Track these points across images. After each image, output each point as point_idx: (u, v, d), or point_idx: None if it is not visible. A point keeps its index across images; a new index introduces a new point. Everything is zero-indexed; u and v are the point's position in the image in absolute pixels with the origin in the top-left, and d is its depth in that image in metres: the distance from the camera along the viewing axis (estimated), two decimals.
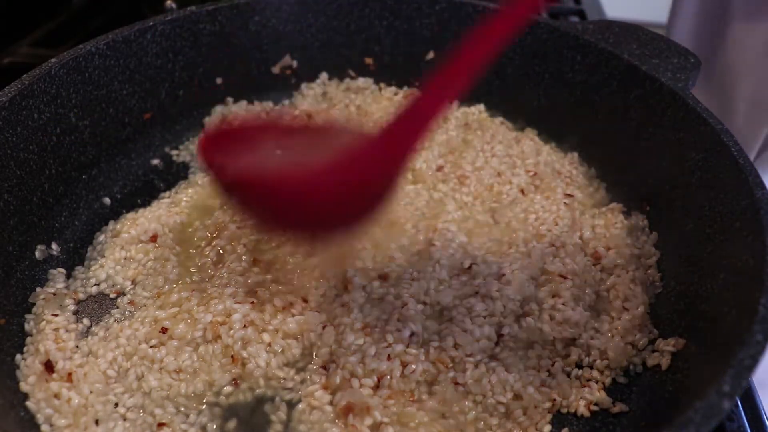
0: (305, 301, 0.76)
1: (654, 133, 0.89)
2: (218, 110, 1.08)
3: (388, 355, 0.70)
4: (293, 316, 0.74)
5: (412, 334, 0.73)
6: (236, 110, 1.09)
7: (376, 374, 0.69)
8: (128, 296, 0.79)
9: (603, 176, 0.98)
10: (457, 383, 0.69)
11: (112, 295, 0.80)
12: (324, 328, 0.73)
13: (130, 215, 0.90)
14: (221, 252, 0.82)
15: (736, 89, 1.20)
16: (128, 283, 0.81)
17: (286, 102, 1.14)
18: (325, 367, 0.70)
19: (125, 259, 0.83)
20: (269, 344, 0.71)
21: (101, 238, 0.87)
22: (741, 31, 1.17)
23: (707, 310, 0.71)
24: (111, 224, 0.89)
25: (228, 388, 0.69)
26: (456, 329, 0.73)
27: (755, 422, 0.72)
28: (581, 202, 0.94)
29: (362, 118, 1.09)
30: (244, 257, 0.80)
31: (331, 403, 0.68)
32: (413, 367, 0.69)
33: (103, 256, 0.84)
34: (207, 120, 1.07)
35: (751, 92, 1.18)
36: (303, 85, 1.15)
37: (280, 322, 0.73)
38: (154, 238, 0.85)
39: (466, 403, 0.68)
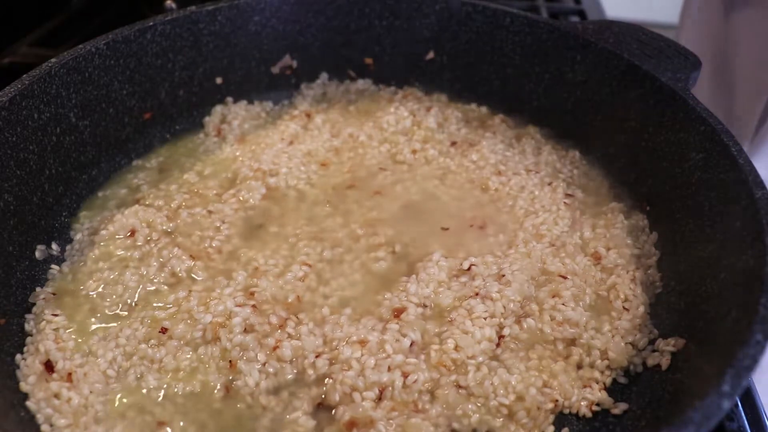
0: (297, 317, 0.75)
1: (654, 133, 0.89)
2: (218, 110, 1.08)
3: (389, 366, 0.69)
4: (289, 338, 0.72)
5: (412, 343, 0.72)
6: (236, 110, 1.09)
7: (378, 386, 0.68)
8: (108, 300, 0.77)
9: (603, 176, 0.98)
10: (459, 386, 0.69)
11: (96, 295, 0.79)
12: (317, 357, 0.71)
13: (107, 213, 0.90)
14: (162, 256, 0.82)
15: (737, 71, 1.22)
16: (95, 286, 0.79)
17: (286, 102, 1.14)
18: (319, 404, 0.68)
19: (103, 257, 0.82)
20: (264, 364, 0.70)
21: (78, 236, 0.86)
22: (746, 14, 1.19)
23: (707, 310, 0.70)
24: (87, 222, 0.88)
25: (219, 393, 0.68)
26: (456, 331, 0.73)
27: (755, 422, 0.72)
28: (581, 202, 0.93)
29: (362, 118, 1.09)
30: (184, 257, 0.81)
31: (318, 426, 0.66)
32: (415, 377, 0.68)
33: (83, 254, 0.83)
34: (207, 119, 1.07)
35: (751, 71, 1.20)
36: (303, 85, 1.15)
37: (275, 341, 0.71)
38: (132, 234, 0.84)
39: (470, 406, 0.68)
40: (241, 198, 0.92)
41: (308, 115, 1.08)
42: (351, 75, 1.16)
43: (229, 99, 1.10)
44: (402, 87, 1.15)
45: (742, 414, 0.72)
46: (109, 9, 1.34)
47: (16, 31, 1.21)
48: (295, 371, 0.70)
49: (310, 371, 0.70)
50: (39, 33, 1.23)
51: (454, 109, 1.10)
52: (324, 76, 1.15)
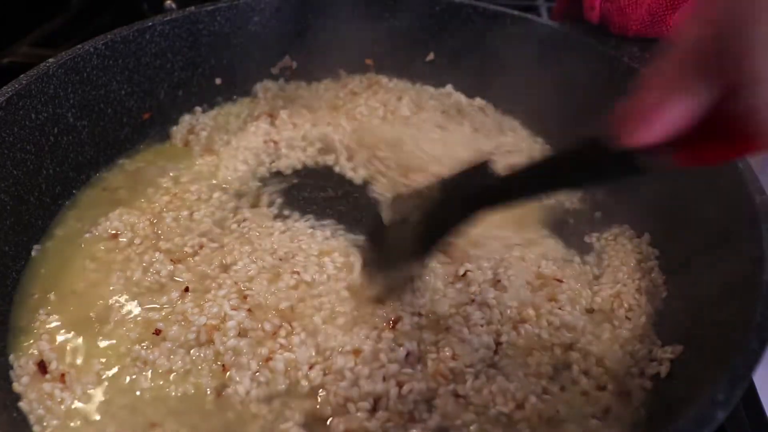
0: (291, 324, 0.73)
1: None
2: (186, 119, 1.06)
3: (383, 376, 0.68)
4: (281, 349, 0.70)
5: (408, 353, 0.70)
6: (205, 120, 1.06)
7: (372, 397, 0.66)
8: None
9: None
10: (457, 395, 0.67)
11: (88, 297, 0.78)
12: (310, 368, 0.69)
13: (92, 213, 0.88)
14: (144, 260, 0.81)
15: None
16: (85, 287, 0.78)
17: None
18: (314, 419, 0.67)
19: (90, 258, 0.81)
20: (255, 373, 0.68)
21: (68, 237, 0.85)
22: None
23: (705, 317, 0.70)
24: (74, 223, 0.87)
25: (211, 396, 0.68)
26: (453, 339, 0.71)
27: (756, 422, 0.71)
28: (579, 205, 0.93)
29: (333, 112, 1.07)
30: (167, 264, 0.80)
31: None
32: (410, 386, 0.67)
33: (73, 255, 0.82)
34: (174, 129, 1.04)
35: None
36: (258, 85, 1.13)
37: (268, 352, 0.70)
38: (114, 236, 0.84)
39: (468, 415, 0.66)
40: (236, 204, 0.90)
41: (270, 115, 1.06)
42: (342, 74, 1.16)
43: (198, 108, 1.07)
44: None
45: (743, 414, 0.71)
46: (109, 9, 1.34)
47: (16, 31, 1.21)
48: (287, 381, 0.68)
49: (304, 382, 0.68)
50: (39, 33, 1.23)
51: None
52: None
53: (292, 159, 0.99)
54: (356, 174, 0.97)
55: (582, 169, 0.53)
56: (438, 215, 0.68)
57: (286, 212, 0.91)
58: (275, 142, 1.00)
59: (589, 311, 0.78)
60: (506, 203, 0.64)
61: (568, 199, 0.93)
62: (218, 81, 1.09)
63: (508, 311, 0.75)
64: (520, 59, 1.05)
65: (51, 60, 0.85)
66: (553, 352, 0.73)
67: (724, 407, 0.49)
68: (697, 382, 0.62)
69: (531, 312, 0.75)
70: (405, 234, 0.71)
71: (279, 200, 0.93)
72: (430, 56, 1.13)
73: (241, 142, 1.00)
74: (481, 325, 0.73)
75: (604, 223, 0.90)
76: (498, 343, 0.73)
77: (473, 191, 0.65)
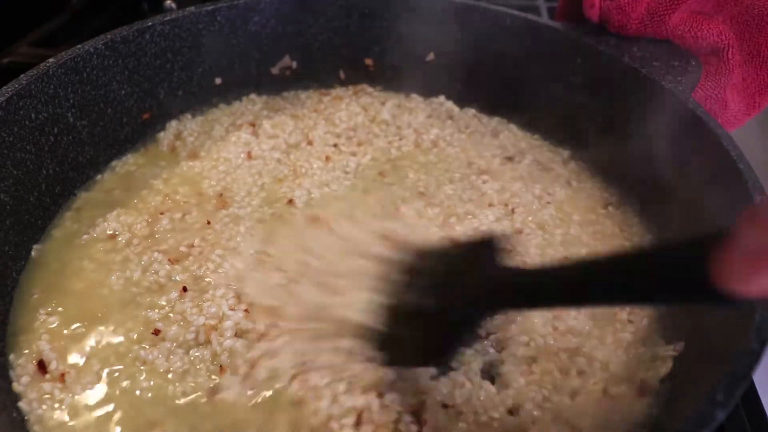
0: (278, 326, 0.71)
1: (653, 137, 0.88)
2: (173, 125, 1.04)
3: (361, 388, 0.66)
4: (266, 356, 0.69)
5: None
6: (192, 126, 1.05)
7: (355, 411, 0.64)
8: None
9: (598, 181, 0.97)
10: (445, 406, 0.66)
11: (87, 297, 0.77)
12: (293, 378, 0.67)
13: (89, 214, 0.88)
14: (143, 261, 0.80)
15: None
16: (84, 288, 0.78)
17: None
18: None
19: (89, 259, 0.81)
20: (246, 376, 0.67)
21: (66, 238, 0.85)
22: None
23: (706, 317, 0.69)
24: (70, 224, 0.87)
25: (207, 398, 0.67)
26: None
27: (756, 422, 0.71)
28: (576, 208, 0.93)
29: (313, 116, 1.08)
30: (165, 264, 0.80)
31: None
32: (392, 396, 0.65)
33: (72, 255, 0.82)
34: (161, 135, 1.02)
35: None
36: (244, 98, 1.12)
37: (258, 356, 0.69)
38: (112, 237, 0.84)
39: (459, 424, 0.65)
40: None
41: (252, 125, 1.05)
42: (341, 77, 1.16)
43: (188, 115, 1.07)
44: (402, 88, 1.15)
45: (743, 414, 0.72)
46: (109, 9, 1.34)
47: (16, 31, 1.21)
48: (272, 390, 0.67)
49: (289, 391, 0.67)
50: (39, 33, 1.23)
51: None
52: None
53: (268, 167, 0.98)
54: None
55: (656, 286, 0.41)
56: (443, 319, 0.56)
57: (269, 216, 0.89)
58: (251, 156, 0.98)
59: (593, 316, 0.77)
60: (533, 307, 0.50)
61: None
62: (218, 81, 1.09)
63: (511, 314, 0.74)
64: (520, 60, 1.05)
65: (51, 60, 0.84)
66: (559, 357, 0.72)
67: (724, 407, 0.49)
68: (697, 382, 0.62)
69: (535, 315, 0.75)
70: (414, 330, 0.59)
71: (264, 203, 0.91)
72: (430, 56, 1.12)
73: (221, 152, 0.99)
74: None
75: (604, 225, 0.90)
76: (502, 349, 0.72)
77: (484, 290, 0.51)
